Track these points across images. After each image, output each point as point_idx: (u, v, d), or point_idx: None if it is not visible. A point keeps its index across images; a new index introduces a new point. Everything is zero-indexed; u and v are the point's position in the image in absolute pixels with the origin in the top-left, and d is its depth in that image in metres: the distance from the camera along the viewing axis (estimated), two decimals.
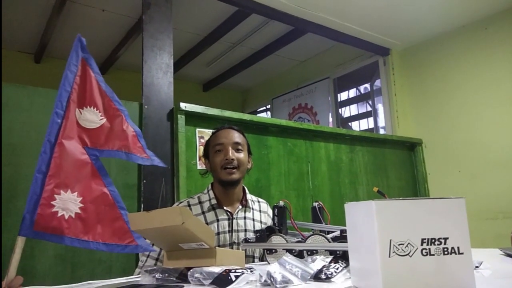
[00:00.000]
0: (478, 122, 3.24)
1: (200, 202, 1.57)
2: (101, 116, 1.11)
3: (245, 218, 1.58)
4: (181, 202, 1.60)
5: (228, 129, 1.61)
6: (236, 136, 1.59)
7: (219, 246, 1.48)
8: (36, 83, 3.16)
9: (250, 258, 1.51)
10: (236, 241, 1.51)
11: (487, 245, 1.47)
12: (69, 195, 1.02)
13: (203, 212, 1.54)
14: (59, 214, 1.00)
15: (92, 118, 1.10)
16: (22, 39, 3.87)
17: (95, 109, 1.11)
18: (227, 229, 1.52)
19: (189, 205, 1.56)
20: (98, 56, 4.28)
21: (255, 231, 1.27)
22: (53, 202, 1.00)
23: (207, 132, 2.30)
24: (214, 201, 1.56)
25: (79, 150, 1.06)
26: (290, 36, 3.97)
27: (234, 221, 1.55)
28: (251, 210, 1.62)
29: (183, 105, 2.20)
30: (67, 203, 1.01)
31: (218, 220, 1.52)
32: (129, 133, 1.11)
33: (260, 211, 1.66)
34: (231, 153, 1.53)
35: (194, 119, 2.29)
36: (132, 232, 1.05)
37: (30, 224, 0.98)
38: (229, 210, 1.56)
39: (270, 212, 1.69)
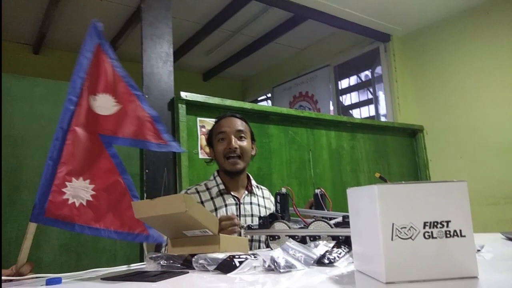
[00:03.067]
0: (480, 108, 3.23)
1: (208, 189, 1.60)
2: (115, 102, 1.08)
3: (251, 203, 1.62)
4: (188, 189, 1.62)
5: (231, 117, 1.62)
6: (239, 124, 1.60)
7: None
8: (36, 74, 3.15)
9: (256, 242, 1.54)
10: (244, 226, 1.53)
11: (489, 230, 1.47)
12: (81, 182, 1.01)
13: (211, 198, 1.56)
14: (70, 202, 0.99)
15: (106, 104, 1.07)
16: (21, 30, 3.85)
17: (109, 95, 1.08)
18: (235, 213, 1.55)
19: (197, 192, 1.58)
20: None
21: (259, 218, 1.28)
22: (64, 190, 0.99)
23: (208, 121, 2.29)
24: (222, 187, 1.58)
25: (93, 137, 1.03)
26: (290, 24, 3.94)
27: (242, 206, 1.58)
28: (256, 196, 1.66)
29: (183, 94, 2.20)
30: (79, 190, 1.00)
31: (226, 205, 1.55)
32: (144, 119, 1.08)
33: (263, 197, 1.70)
34: (234, 142, 1.54)
35: (195, 108, 2.29)
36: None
37: (41, 211, 0.98)
38: (236, 195, 1.59)
39: (272, 198, 1.73)
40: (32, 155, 1.79)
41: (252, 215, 1.59)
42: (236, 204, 1.58)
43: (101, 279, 0.90)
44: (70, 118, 1.01)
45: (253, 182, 1.69)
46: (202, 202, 1.54)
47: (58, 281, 0.87)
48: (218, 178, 1.61)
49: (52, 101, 1.89)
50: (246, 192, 1.63)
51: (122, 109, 1.07)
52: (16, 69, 3.90)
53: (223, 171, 1.60)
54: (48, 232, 1.75)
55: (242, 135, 1.58)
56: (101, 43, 1.11)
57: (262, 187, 1.75)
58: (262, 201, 1.67)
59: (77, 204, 1.00)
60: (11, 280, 0.93)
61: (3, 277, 0.93)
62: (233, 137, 1.55)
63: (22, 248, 0.98)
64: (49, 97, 1.88)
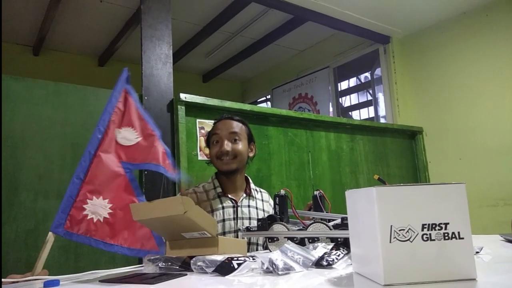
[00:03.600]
0: (479, 109, 3.24)
1: (206, 191, 1.60)
2: (137, 135, 1.24)
3: (249, 206, 1.61)
4: (186, 190, 1.61)
5: (225, 120, 1.62)
6: (233, 126, 1.59)
7: (224, 233, 1.50)
8: (35, 75, 3.15)
9: (254, 245, 1.54)
10: (241, 228, 1.53)
11: (487, 232, 1.47)
12: (100, 201, 1.13)
13: (208, 200, 1.57)
14: (89, 217, 1.11)
15: (129, 136, 1.24)
16: (21, 31, 3.85)
17: (132, 129, 1.25)
18: (232, 216, 1.55)
19: (195, 193, 1.58)
20: (96, 47, 4.26)
21: (257, 220, 1.28)
22: (84, 206, 1.11)
23: (208, 123, 2.29)
24: (219, 189, 1.59)
25: (115, 163, 1.19)
26: (289, 25, 3.95)
27: (239, 209, 1.58)
28: (255, 199, 1.65)
29: (183, 96, 2.20)
30: (97, 208, 1.12)
31: (223, 208, 1.55)
32: (160, 149, 1.23)
33: (262, 200, 1.69)
34: (226, 145, 1.55)
35: (194, 110, 2.29)
36: (155, 238, 1.15)
37: (62, 223, 1.08)
38: (233, 198, 1.59)
39: (271, 201, 1.72)
40: (31, 157, 1.78)
41: (249, 218, 1.58)
42: (234, 206, 1.57)
43: (100, 281, 0.90)
44: (97, 145, 1.17)
45: (252, 185, 1.68)
46: (199, 204, 1.54)
47: (56, 283, 0.86)
48: (216, 181, 1.62)
49: (51, 103, 1.89)
50: (245, 195, 1.62)
51: (142, 140, 1.24)
52: (16, 71, 3.90)
53: (219, 172, 1.61)
54: (46, 233, 1.75)
55: (236, 137, 1.58)
56: (128, 88, 1.30)
57: (262, 190, 1.75)
58: (261, 204, 1.66)
59: (94, 220, 1.11)
60: (12, 282, 0.94)
61: (8, 280, 0.94)
62: (225, 140, 1.56)
63: (40, 256, 1.03)
64: (49, 99, 1.88)
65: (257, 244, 1.56)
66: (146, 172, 2.06)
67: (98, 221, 1.10)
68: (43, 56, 4.22)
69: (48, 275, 1.00)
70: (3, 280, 0.94)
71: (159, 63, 2.27)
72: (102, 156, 1.16)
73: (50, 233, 1.05)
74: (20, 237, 1.70)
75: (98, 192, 1.13)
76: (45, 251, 1.03)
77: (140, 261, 1.92)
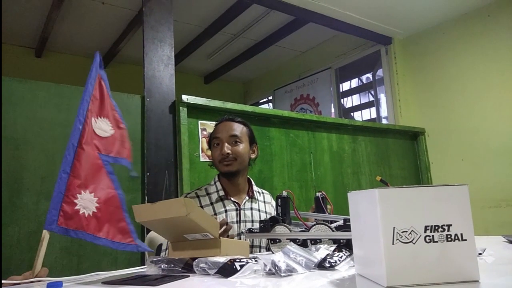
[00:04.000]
0: (481, 110, 3.23)
1: (208, 194, 1.59)
2: (111, 127, 1.24)
3: (251, 209, 1.60)
4: (188, 193, 1.62)
5: (226, 122, 1.62)
6: (234, 129, 1.59)
7: (227, 236, 1.49)
8: (38, 77, 3.16)
9: (257, 248, 1.54)
10: (244, 231, 1.53)
11: (490, 233, 1.47)
12: (88, 195, 1.12)
13: (211, 203, 1.56)
14: (81, 212, 1.10)
15: (105, 127, 1.23)
16: (23, 33, 3.86)
17: (107, 119, 1.24)
18: (235, 219, 1.55)
19: (197, 196, 1.57)
20: (98, 49, 4.24)
21: (259, 222, 1.28)
22: (75, 201, 1.10)
23: (210, 124, 2.30)
24: (222, 193, 1.58)
25: (95, 155, 1.18)
26: (291, 27, 3.95)
27: (242, 211, 1.57)
28: (257, 202, 1.65)
29: (185, 98, 2.20)
30: (87, 202, 1.11)
31: (226, 211, 1.55)
32: (128, 145, 1.26)
33: (264, 202, 1.68)
34: (226, 148, 1.54)
35: (196, 111, 2.29)
36: (131, 232, 1.14)
37: (55, 219, 1.07)
38: (236, 201, 1.58)
39: (273, 202, 1.71)
40: (34, 158, 1.79)
41: (252, 221, 1.57)
42: (236, 209, 1.56)
43: (102, 283, 0.90)
44: (79, 137, 1.15)
45: (255, 187, 1.67)
46: (202, 207, 1.54)
47: (59, 285, 0.87)
48: (218, 184, 1.61)
49: (54, 105, 1.89)
50: (247, 197, 1.62)
51: (116, 133, 1.25)
52: (18, 73, 3.92)
53: (221, 174, 1.61)
54: (49, 235, 1.75)
55: (237, 139, 1.57)
56: (101, 74, 1.29)
57: (263, 191, 1.74)
58: (263, 206, 1.66)
59: (86, 215, 1.10)
60: (14, 284, 0.94)
61: (8, 281, 0.95)
62: (226, 143, 1.55)
63: (37, 254, 1.02)
64: (51, 101, 1.89)
65: (260, 247, 1.55)
66: (148, 174, 2.07)
67: (88, 216, 1.10)
68: (45, 58, 4.24)
69: (50, 277, 1.00)
70: (4, 281, 0.94)
71: (161, 65, 2.27)
72: (85, 148, 1.15)
73: (44, 231, 1.05)
74: (23, 238, 1.71)
75: (85, 186, 1.12)
76: (42, 250, 1.03)
77: (142, 263, 1.92)
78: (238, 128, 1.60)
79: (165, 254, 1.42)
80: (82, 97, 1.20)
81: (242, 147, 1.58)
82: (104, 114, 1.24)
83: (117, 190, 1.17)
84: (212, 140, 1.61)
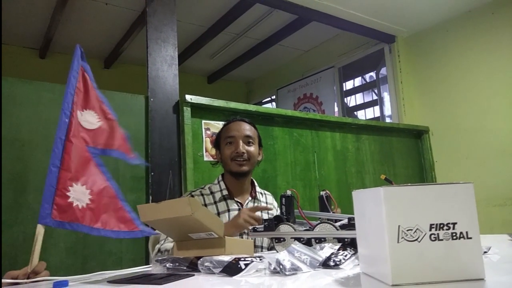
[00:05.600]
0: (486, 108, 3.21)
1: (212, 193, 1.60)
2: (98, 118, 1.23)
3: None
4: (193, 191, 1.62)
5: (240, 122, 1.63)
6: (248, 129, 1.60)
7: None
8: (42, 78, 3.18)
9: (258, 248, 1.54)
10: (246, 231, 1.53)
11: (495, 231, 1.47)
12: (79, 187, 1.12)
13: (214, 202, 1.57)
14: (74, 204, 1.10)
15: (91, 119, 1.22)
16: (27, 34, 3.88)
17: (93, 111, 1.24)
18: None
19: (202, 194, 1.58)
20: (102, 50, 4.28)
21: (263, 220, 1.28)
22: (68, 193, 1.10)
23: (213, 124, 2.30)
24: (225, 192, 1.58)
25: (83, 147, 1.18)
26: (294, 26, 3.95)
27: None
28: (260, 202, 1.66)
29: (188, 97, 2.21)
30: (79, 194, 1.12)
31: (229, 210, 1.55)
32: (120, 135, 1.24)
33: (266, 203, 1.69)
34: (242, 147, 1.55)
35: (200, 111, 2.29)
36: (134, 220, 1.14)
37: (48, 213, 1.07)
38: (239, 201, 1.59)
39: (276, 204, 1.73)
40: (38, 159, 1.80)
41: None
42: (239, 209, 1.56)
43: (108, 282, 0.90)
44: (66, 130, 1.15)
45: (258, 188, 1.69)
46: (205, 205, 1.54)
47: (65, 284, 0.87)
48: (222, 183, 1.61)
49: (58, 105, 1.87)
50: (250, 198, 1.63)
51: (104, 124, 1.24)
52: (22, 74, 3.93)
53: (229, 173, 1.60)
54: (54, 235, 1.77)
55: (250, 140, 1.59)
56: (84, 66, 1.29)
57: (266, 192, 1.75)
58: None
59: (80, 207, 1.11)
60: (17, 283, 0.95)
61: (12, 280, 0.95)
62: (241, 142, 1.56)
63: (33, 249, 1.03)
64: (56, 101, 1.90)
65: (262, 247, 1.56)
66: (152, 173, 2.07)
67: (83, 208, 1.11)
68: (49, 58, 4.26)
69: (55, 276, 1.01)
70: (4, 280, 0.95)
71: (165, 65, 2.28)
72: (73, 141, 1.15)
73: (39, 225, 1.06)
74: (28, 238, 1.72)
75: (76, 179, 1.12)
76: (38, 244, 1.04)
77: (147, 262, 1.93)
78: (252, 130, 1.63)
79: (164, 241, 1.42)
80: (66, 90, 1.20)
81: (254, 148, 1.60)
82: (89, 106, 1.24)
83: (109, 181, 1.17)
84: (225, 138, 1.60)
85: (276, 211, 1.70)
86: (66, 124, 1.15)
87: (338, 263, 0.89)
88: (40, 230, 1.06)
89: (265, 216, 1.62)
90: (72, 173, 1.12)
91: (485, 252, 0.95)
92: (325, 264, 0.89)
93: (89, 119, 1.21)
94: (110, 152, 1.22)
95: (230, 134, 1.58)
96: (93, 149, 1.19)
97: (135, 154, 1.26)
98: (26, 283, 0.96)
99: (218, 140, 1.65)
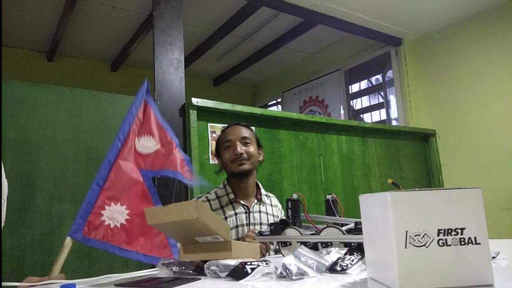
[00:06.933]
0: (493, 111, 3.19)
1: (218, 197, 1.62)
2: (155, 143, 1.29)
3: (260, 212, 1.64)
4: (199, 197, 1.65)
5: (235, 126, 1.67)
6: (243, 131, 1.64)
7: (238, 238, 1.51)
8: (49, 81, 3.20)
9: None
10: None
11: (504, 236, 1.45)
12: (118, 207, 1.16)
13: (221, 207, 1.59)
14: (106, 223, 1.14)
15: (148, 144, 1.29)
16: (34, 37, 3.92)
17: (151, 137, 1.30)
18: (245, 222, 1.58)
19: (208, 200, 1.61)
20: (109, 53, 4.31)
21: (269, 224, 1.28)
22: (102, 212, 1.14)
23: (219, 127, 2.30)
24: (231, 196, 1.61)
25: (134, 170, 1.23)
26: (300, 29, 3.95)
27: (251, 214, 1.60)
28: (265, 205, 1.68)
29: (194, 100, 2.21)
30: (115, 213, 1.15)
31: (236, 214, 1.58)
32: (178, 157, 1.28)
33: (271, 205, 1.72)
34: (239, 148, 1.58)
35: (206, 114, 2.30)
36: (170, 246, 1.18)
37: (80, 228, 1.12)
38: (245, 204, 1.62)
39: (280, 205, 1.76)
40: (46, 162, 1.81)
41: (260, 224, 1.60)
42: (246, 212, 1.60)
43: (115, 285, 0.90)
44: (117, 153, 1.20)
45: (263, 191, 1.71)
46: (212, 211, 1.55)
47: (72, 286, 0.87)
48: (228, 187, 1.64)
49: (66, 108, 1.92)
50: (256, 200, 1.65)
51: (161, 148, 1.29)
52: (30, 77, 3.97)
53: (232, 175, 1.62)
54: (61, 237, 1.77)
55: (247, 141, 1.62)
56: (147, 99, 1.36)
57: (270, 194, 1.77)
58: (270, 209, 1.69)
59: (112, 226, 1.14)
60: (30, 286, 0.95)
61: (25, 284, 0.96)
62: (238, 143, 1.59)
63: (57, 259, 1.06)
64: (63, 104, 1.91)
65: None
66: (159, 176, 2.08)
67: (115, 227, 1.13)
68: (57, 62, 4.29)
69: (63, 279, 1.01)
70: (20, 284, 0.95)
71: (171, 68, 2.29)
72: (121, 163, 1.20)
73: (68, 238, 1.08)
74: (35, 240, 1.73)
75: (117, 199, 1.16)
76: (63, 255, 1.05)
77: (153, 265, 1.93)
78: (247, 131, 1.66)
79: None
80: (125, 118, 1.27)
81: (253, 148, 1.63)
82: (148, 132, 1.30)
83: (156, 204, 1.21)
84: (223, 143, 1.63)
85: (281, 213, 1.72)
86: (118, 148, 1.21)
87: (345, 268, 0.88)
88: (68, 242, 1.09)
89: (271, 219, 1.62)
90: (113, 193, 1.16)
91: (493, 257, 0.94)
92: (332, 268, 0.89)
93: (146, 144, 1.28)
94: (163, 172, 1.26)
95: (227, 139, 1.62)
96: (145, 172, 1.24)
97: (195, 177, 1.31)
98: (35, 285, 0.96)
99: (218, 148, 1.68)
